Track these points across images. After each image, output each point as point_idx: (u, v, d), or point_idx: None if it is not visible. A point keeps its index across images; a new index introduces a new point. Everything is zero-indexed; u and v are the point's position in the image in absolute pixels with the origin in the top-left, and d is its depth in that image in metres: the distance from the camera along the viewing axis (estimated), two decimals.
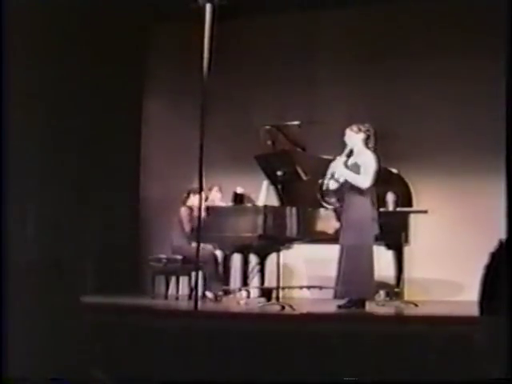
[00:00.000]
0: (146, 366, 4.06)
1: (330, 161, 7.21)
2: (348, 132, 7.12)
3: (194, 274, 7.48)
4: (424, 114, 8.93)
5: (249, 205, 8.08)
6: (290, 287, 8.77)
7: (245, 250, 8.00)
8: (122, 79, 9.62)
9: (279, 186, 7.86)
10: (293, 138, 8.00)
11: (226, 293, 8.08)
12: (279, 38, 9.55)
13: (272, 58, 9.56)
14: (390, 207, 7.68)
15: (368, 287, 6.90)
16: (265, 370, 3.97)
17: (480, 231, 8.02)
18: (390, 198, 7.68)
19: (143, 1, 9.09)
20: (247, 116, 9.23)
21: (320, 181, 7.22)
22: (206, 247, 8.01)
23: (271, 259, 7.76)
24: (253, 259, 8.06)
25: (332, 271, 7.10)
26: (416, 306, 7.42)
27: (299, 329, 4.36)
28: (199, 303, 6.45)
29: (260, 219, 7.48)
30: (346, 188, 7.01)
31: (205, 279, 7.99)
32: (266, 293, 7.84)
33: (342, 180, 7.03)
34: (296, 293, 8.95)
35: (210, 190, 8.26)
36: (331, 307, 6.98)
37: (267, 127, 7.94)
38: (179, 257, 8.10)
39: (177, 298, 8.21)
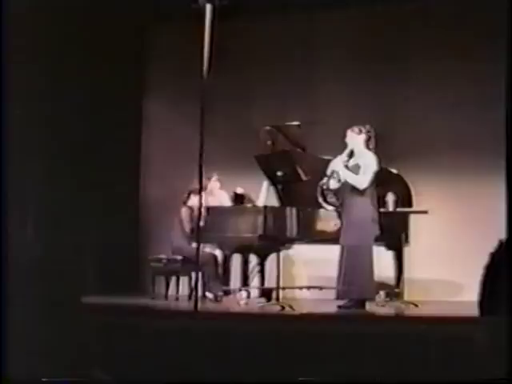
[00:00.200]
0: (146, 366, 4.06)
1: (330, 161, 7.22)
2: (349, 133, 7.13)
3: (194, 274, 7.49)
4: (424, 114, 8.93)
5: (249, 205, 8.07)
6: (290, 287, 8.77)
7: (245, 251, 8.00)
8: (122, 79, 9.63)
9: (279, 187, 7.86)
10: (293, 138, 8.01)
11: (226, 293, 8.08)
12: (279, 38, 9.55)
13: (272, 57, 9.56)
14: (390, 207, 7.68)
15: (369, 287, 6.91)
16: (265, 370, 3.97)
17: (480, 231, 8.02)
18: (390, 198, 7.68)
19: (143, 1, 9.09)
20: (247, 116, 9.23)
21: (320, 180, 7.22)
22: (206, 247, 8.03)
23: (271, 259, 7.77)
24: (253, 259, 8.05)
25: (332, 271, 7.10)
26: (416, 306, 7.42)
27: (299, 329, 4.35)
28: (199, 303, 6.44)
29: (260, 219, 7.48)
30: (347, 188, 7.01)
31: (205, 279, 7.99)
32: (266, 293, 7.84)
33: (341, 179, 7.04)
34: (296, 293, 8.95)
35: (209, 179, 8.26)
36: (331, 307, 6.98)
37: (267, 127, 7.95)
38: (179, 257, 8.10)
39: (177, 299, 8.20)
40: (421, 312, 7.24)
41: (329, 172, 7.14)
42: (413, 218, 7.92)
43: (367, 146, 7.09)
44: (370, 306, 6.97)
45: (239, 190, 8.35)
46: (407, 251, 7.86)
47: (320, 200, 7.25)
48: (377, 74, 9.13)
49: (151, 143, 10.20)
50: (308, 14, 9.35)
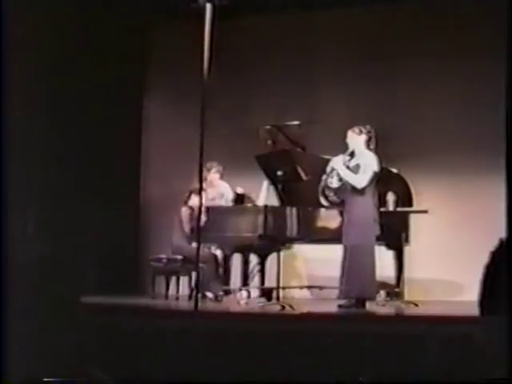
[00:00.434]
0: (146, 366, 4.06)
1: (330, 160, 7.21)
2: (350, 133, 7.14)
3: (194, 274, 7.49)
4: (424, 114, 8.93)
5: (249, 205, 8.07)
6: (290, 287, 8.77)
7: (245, 250, 7.99)
8: (123, 79, 9.62)
9: (279, 186, 7.86)
10: (293, 137, 8.01)
11: (227, 293, 8.08)
12: (279, 37, 9.54)
13: (272, 57, 9.56)
14: (391, 207, 7.68)
15: (370, 287, 6.91)
16: (265, 370, 3.97)
17: (480, 231, 8.02)
18: (391, 197, 7.68)
19: (143, 1, 9.09)
20: (247, 116, 9.23)
21: (320, 179, 7.22)
22: (206, 247, 8.03)
23: (271, 259, 7.77)
24: (253, 259, 8.05)
25: (332, 271, 7.10)
26: (416, 305, 7.41)
27: (299, 329, 4.36)
28: (199, 303, 6.44)
29: (260, 219, 7.48)
30: (348, 188, 7.01)
31: (205, 279, 7.99)
32: (266, 293, 7.84)
33: (341, 177, 7.04)
34: (296, 293, 8.96)
35: (209, 170, 8.26)
36: (332, 307, 6.98)
37: (267, 127, 7.95)
38: (179, 257, 8.09)
39: (177, 298, 8.20)
40: (421, 312, 7.24)
41: (328, 170, 7.15)
42: (413, 218, 7.91)
43: (368, 147, 7.10)
44: (370, 306, 6.96)
45: (239, 190, 8.35)
46: (407, 251, 7.86)
47: (321, 199, 7.25)
48: (377, 73, 9.13)
49: (151, 143, 10.20)
50: (308, 13, 9.35)
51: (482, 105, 8.48)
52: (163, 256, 8.28)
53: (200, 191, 6.33)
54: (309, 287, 9.11)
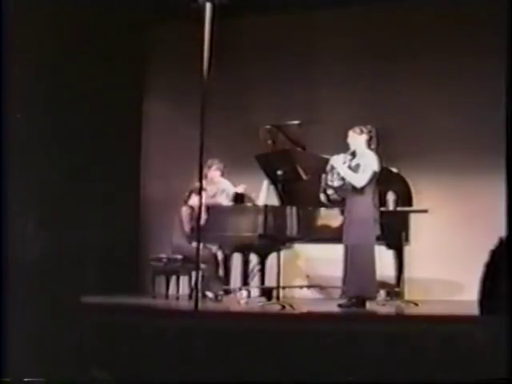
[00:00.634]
0: (146, 366, 4.06)
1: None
2: (351, 134, 7.14)
3: (194, 273, 7.49)
4: (424, 114, 8.93)
5: (249, 204, 8.08)
6: (290, 286, 8.77)
7: (245, 250, 8.00)
8: (123, 79, 9.62)
9: (279, 186, 7.86)
10: (293, 137, 8.01)
11: (227, 292, 8.08)
12: (279, 36, 9.54)
13: (272, 56, 9.56)
14: (391, 207, 7.68)
15: (370, 286, 6.92)
16: (265, 370, 3.97)
17: (480, 231, 8.02)
18: (391, 197, 7.68)
19: (143, 0, 9.08)
20: (247, 115, 9.22)
21: (321, 178, 7.22)
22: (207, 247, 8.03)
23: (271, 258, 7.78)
24: (253, 259, 8.06)
25: (332, 270, 7.11)
26: (416, 305, 7.42)
27: (299, 328, 4.35)
28: (200, 303, 6.44)
29: (260, 219, 7.49)
30: (349, 188, 7.02)
31: (205, 279, 7.99)
32: (266, 292, 7.85)
33: (340, 176, 7.04)
34: (296, 292, 8.96)
35: (210, 167, 8.27)
36: (332, 307, 6.98)
37: (267, 127, 7.95)
38: (180, 256, 8.10)
39: (177, 298, 8.20)
40: (421, 311, 7.24)
41: (328, 168, 7.15)
42: (413, 217, 7.92)
43: (369, 146, 7.10)
44: (370, 305, 6.97)
45: (240, 189, 8.36)
46: (407, 250, 7.86)
47: (322, 197, 7.25)
48: (377, 73, 9.13)
49: (151, 143, 10.20)
50: (308, 12, 9.35)
51: (482, 104, 8.48)
52: (163, 256, 8.28)
53: (200, 191, 6.33)
54: (308, 286, 9.12)
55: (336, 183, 7.11)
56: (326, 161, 7.25)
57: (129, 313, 5.15)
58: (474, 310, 3.21)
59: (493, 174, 7.66)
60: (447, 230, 8.70)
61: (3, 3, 4.50)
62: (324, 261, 8.66)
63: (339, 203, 7.22)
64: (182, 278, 8.29)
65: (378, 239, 7.10)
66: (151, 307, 7.21)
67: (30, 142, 7.90)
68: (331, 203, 7.28)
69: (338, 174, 7.08)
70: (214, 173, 8.37)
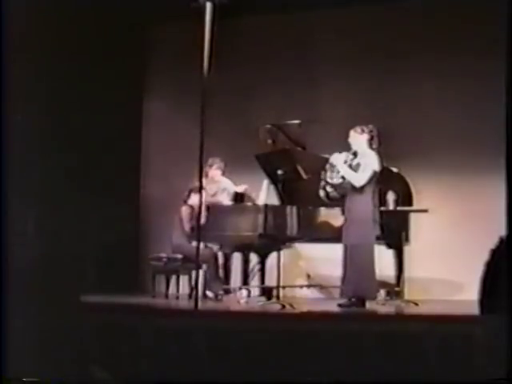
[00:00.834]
0: (146, 366, 4.06)
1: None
2: (352, 133, 7.14)
3: (194, 273, 7.49)
4: (424, 113, 8.93)
5: (249, 204, 8.08)
6: (290, 286, 8.77)
7: (245, 249, 8.00)
8: (123, 78, 9.62)
9: (279, 185, 7.87)
10: (293, 136, 8.01)
11: (227, 292, 8.09)
12: (280, 36, 9.54)
13: (272, 56, 9.56)
14: (391, 206, 7.68)
15: (370, 286, 6.91)
16: (265, 370, 3.97)
17: (480, 230, 8.02)
18: (391, 197, 7.68)
19: (143, 0, 9.08)
20: (248, 115, 9.22)
21: (322, 172, 7.22)
22: (207, 246, 8.03)
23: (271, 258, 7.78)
24: (253, 258, 8.06)
25: (332, 270, 7.11)
26: (416, 305, 7.42)
27: (299, 328, 4.35)
28: (200, 302, 6.45)
29: (260, 218, 7.49)
30: (349, 187, 7.01)
31: (205, 278, 8.00)
32: (266, 292, 7.85)
33: (341, 174, 7.04)
34: (297, 292, 8.96)
35: (211, 166, 8.28)
36: (332, 306, 6.98)
37: (267, 126, 7.96)
38: (179, 256, 8.10)
39: (177, 297, 8.20)
40: (421, 311, 7.25)
41: (328, 166, 7.15)
42: (413, 217, 7.92)
43: (370, 146, 7.10)
44: (370, 305, 6.97)
45: (240, 189, 8.36)
46: (407, 250, 7.86)
47: (321, 193, 7.25)
48: (377, 72, 9.13)
49: (151, 142, 10.20)
50: (308, 11, 9.35)
51: (482, 104, 8.48)
52: (163, 255, 8.28)
53: (200, 190, 6.33)
54: (308, 286, 9.12)
55: (335, 181, 7.10)
56: (326, 160, 7.25)
57: (129, 312, 5.15)
58: (474, 310, 3.21)
59: (493, 173, 7.66)
60: (447, 230, 8.70)
61: (3, 3, 4.50)
62: (325, 260, 8.66)
63: (338, 200, 7.20)
64: (181, 277, 8.29)
65: (378, 239, 7.11)
66: (151, 307, 7.21)
67: (30, 141, 7.91)
68: (330, 200, 7.27)
69: (338, 171, 7.08)
70: (214, 172, 8.38)
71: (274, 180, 7.86)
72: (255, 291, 8.11)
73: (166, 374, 3.98)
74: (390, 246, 7.83)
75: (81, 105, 8.95)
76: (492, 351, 2.72)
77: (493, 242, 3.41)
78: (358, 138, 7.12)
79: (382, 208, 7.40)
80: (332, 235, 7.37)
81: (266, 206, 7.64)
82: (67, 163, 8.72)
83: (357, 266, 6.85)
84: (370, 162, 6.97)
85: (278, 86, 9.42)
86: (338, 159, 7.09)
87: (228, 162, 8.45)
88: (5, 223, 3.72)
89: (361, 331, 4.07)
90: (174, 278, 8.28)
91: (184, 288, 8.27)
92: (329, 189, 7.17)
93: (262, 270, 7.94)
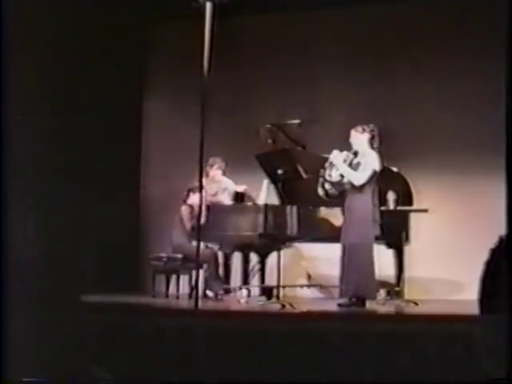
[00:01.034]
0: (146, 365, 4.06)
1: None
2: (353, 133, 7.13)
3: (194, 272, 7.49)
4: (424, 113, 8.93)
5: (249, 203, 8.08)
6: (290, 286, 8.77)
7: (245, 249, 8.00)
8: (123, 78, 9.62)
9: (280, 185, 7.87)
10: (293, 136, 8.01)
11: (227, 291, 8.09)
12: (280, 35, 9.54)
13: (272, 55, 9.56)
14: (391, 206, 7.68)
15: (369, 286, 6.91)
16: (265, 369, 3.97)
17: (480, 230, 8.01)
18: (391, 196, 7.68)
19: (143, 0, 9.08)
20: (248, 114, 9.22)
21: (321, 171, 7.22)
22: (207, 246, 8.03)
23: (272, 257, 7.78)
24: (253, 258, 8.06)
25: (333, 270, 7.10)
26: (416, 304, 7.42)
27: (300, 327, 4.36)
28: (200, 302, 6.45)
29: (260, 218, 7.49)
30: (348, 187, 7.01)
31: (205, 278, 8.00)
32: (266, 291, 7.85)
33: (340, 172, 7.03)
34: (297, 291, 8.96)
35: (212, 166, 8.28)
36: (332, 306, 6.98)
37: (268, 126, 7.96)
38: (180, 255, 8.10)
39: (177, 297, 8.20)
40: (421, 310, 7.24)
41: (327, 164, 7.15)
42: (413, 217, 7.92)
43: (371, 145, 7.09)
44: (370, 305, 6.97)
45: (240, 188, 8.36)
46: (407, 250, 7.86)
47: (320, 191, 7.25)
48: (377, 72, 9.13)
49: (151, 142, 10.20)
50: (308, 11, 9.34)
51: (482, 104, 8.48)
52: (163, 255, 8.28)
53: (200, 190, 6.34)
54: (308, 286, 9.12)
55: (334, 178, 7.10)
56: (327, 160, 7.25)
57: (129, 312, 5.15)
58: (474, 310, 3.20)
59: (493, 173, 7.65)
60: (447, 230, 8.70)
61: (3, 3, 4.50)
62: (325, 260, 8.66)
63: (337, 198, 7.19)
64: (182, 277, 8.29)
65: (379, 238, 7.11)
66: (151, 306, 7.21)
67: (30, 141, 7.91)
68: (329, 198, 7.26)
69: (337, 169, 7.07)
70: (215, 171, 8.38)
71: (274, 180, 7.86)
72: (255, 291, 8.11)
73: (166, 374, 3.98)
74: (390, 245, 7.83)
75: (81, 105, 8.94)
76: (492, 351, 2.72)
77: (493, 242, 3.40)
78: (359, 138, 7.11)
79: (383, 208, 7.40)
80: (332, 235, 7.36)
81: (266, 205, 7.64)
82: (67, 163, 8.72)
83: (356, 265, 6.84)
84: (371, 162, 6.97)
85: (277, 86, 9.41)
86: (337, 158, 7.09)
87: (228, 162, 8.45)
88: (5, 223, 3.73)
89: (361, 331, 4.07)
90: (174, 278, 8.28)
91: (184, 288, 8.27)
92: (327, 186, 7.16)
93: (262, 270, 7.94)
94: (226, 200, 8.33)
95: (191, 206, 8.13)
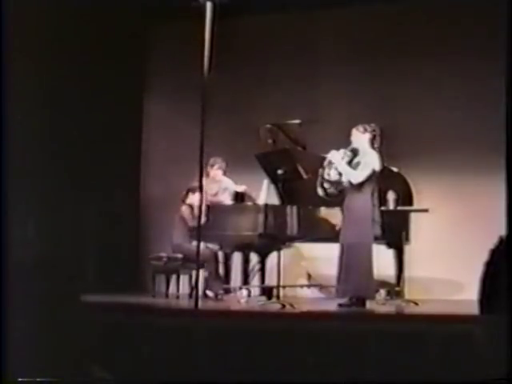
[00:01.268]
0: (146, 365, 4.06)
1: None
2: (354, 132, 7.13)
3: (194, 272, 7.49)
4: (424, 113, 8.93)
5: (249, 203, 8.08)
6: (290, 286, 8.77)
7: (245, 249, 8.00)
8: (123, 78, 9.62)
9: (280, 185, 7.86)
10: (293, 136, 8.01)
11: (227, 291, 8.09)
12: (280, 35, 9.54)
13: (273, 55, 9.56)
14: (391, 206, 7.68)
15: (368, 286, 6.90)
16: (265, 369, 3.97)
17: (480, 230, 8.01)
18: (391, 196, 7.68)
19: (143, 0, 9.08)
20: (248, 114, 9.22)
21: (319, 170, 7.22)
22: (207, 246, 8.03)
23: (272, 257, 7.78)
24: (253, 258, 8.06)
25: (333, 270, 7.10)
26: (416, 304, 7.41)
27: (300, 327, 4.36)
28: (200, 302, 6.45)
29: (260, 218, 7.49)
30: (348, 186, 7.01)
31: (205, 278, 8.00)
32: (266, 291, 7.85)
33: (338, 170, 7.03)
34: (297, 291, 8.97)
35: (212, 166, 8.29)
36: (332, 306, 6.98)
37: (268, 126, 7.96)
38: (180, 255, 8.10)
39: (177, 297, 8.21)
40: (421, 310, 7.24)
41: (326, 163, 7.15)
42: (413, 217, 7.92)
43: (372, 145, 7.09)
44: (370, 305, 6.97)
45: (240, 188, 8.36)
46: (408, 250, 7.86)
47: (320, 191, 7.25)
48: (377, 72, 9.13)
49: (151, 142, 10.20)
50: (308, 11, 9.35)
51: (482, 104, 8.48)
52: (163, 254, 8.28)
53: (201, 190, 6.34)
54: (308, 286, 9.12)
55: (332, 177, 7.10)
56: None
57: (129, 311, 5.15)
58: (474, 310, 3.20)
59: (493, 173, 7.65)
60: (447, 230, 8.70)
61: (3, 3, 4.51)
62: (325, 260, 8.65)
63: (337, 197, 7.19)
64: (182, 276, 8.29)
65: (379, 238, 7.10)
66: (151, 306, 7.21)
67: (30, 142, 7.91)
68: (329, 197, 7.26)
69: (336, 168, 7.08)
70: (216, 171, 8.39)
71: (274, 180, 7.86)
72: (255, 291, 8.11)
73: (166, 374, 3.99)
74: (390, 245, 7.83)
75: (81, 105, 8.95)
76: (492, 351, 2.72)
77: (493, 242, 3.40)
78: (360, 137, 7.11)
79: (383, 208, 7.40)
80: (332, 235, 7.36)
81: (266, 205, 7.64)
82: (67, 163, 8.72)
83: (355, 265, 6.82)
84: (371, 161, 6.96)
85: (278, 86, 9.42)
86: (335, 156, 7.08)
87: (228, 162, 8.45)
88: (5, 223, 3.73)
89: (361, 331, 4.07)
90: (174, 278, 8.28)
91: (184, 288, 8.27)
92: (326, 185, 7.16)
93: (262, 270, 7.94)
94: (227, 200, 8.33)
95: (191, 206, 8.14)
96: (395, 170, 7.95)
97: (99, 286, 8.05)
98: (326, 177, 7.14)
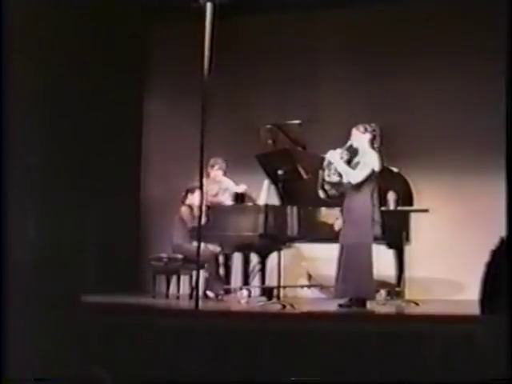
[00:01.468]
0: (146, 365, 4.06)
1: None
2: (354, 132, 7.12)
3: (194, 273, 7.49)
4: (425, 113, 8.92)
5: (250, 204, 8.08)
6: (290, 286, 8.77)
7: (246, 249, 8.00)
8: (123, 78, 9.62)
9: (280, 185, 7.86)
10: (293, 136, 8.01)
11: (227, 292, 8.08)
12: (280, 36, 9.54)
13: (273, 56, 9.56)
14: (391, 206, 7.68)
15: (367, 286, 6.88)
16: (265, 369, 3.97)
17: (481, 230, 8.02)
18: (391, 197, 7.67)
19: (143, 1, 9.09)
20: (248, 115, 9.22)
21: (319, 171, 7.22)
22: (207, 246, 8.03)
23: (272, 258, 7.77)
24: (254, 258, 8.06)
25: (334, 270, 7.10)
26: (417, 304, 7.41)
27: (300, 327, 4.36)
28: (200, 302, 6.45)
29: (261, 218, 7.49)
30: (348, 187, 7.00)
31: (206, 278, 8.00)
32: (267, 292, 7.84)
33: (338, 171, 7.03)
34: (298, 292, 8.97)
35: (213, 167, 8.29)
36: (333, 306, 6.98)
37: (268, 126, 7.95)
38: (180, 256, 8.09)
39: (178, 298, 8.20)
40: (421, 311, 7.24)
41: (325, 163, 7.14)
42: (413, 217, 7.92)
43: (372, 145, 7.08)
44: (370, 305, 6.96)
45: (240, 189, 8.36)
46: (408, 250, 7.86)
47: (321, 193, 7.24)
48: (377, 72, 9.13)
49: (151, 142, 10.20)
50: (308, 11, 9.35)
51: (482, 104, 8.48)
52: (164, 255, 8.28)
53: (201, 190, 6.33)
54: (309, 286, 9.11)
55: (333, 178, 7.10)
56: None
57: (129, 312, 5.15)
58: (475, 310, 3.20)
59: (493, 174, 7.65)
60: (448, 230, 8.70)
61: (3, 3, 4.50)
62: (325, 260, 8.65)
63: (338, 198, 7.19)
64: (182, 277, 8.29)
65: (379, 238, 7.10)
66: (152, 307, 7.21)
67: (30, 142, 7.91)
68: (330, 199, 7.26)
69: (335, 169, 7.07)
70: (216, 172, 8.39)
71: (274, 180, 7.85)
72: (256, 291, 8.10)
73: (166, 374, 3.99)
74: (390, 245, 7.83)
75: (81, 105, 8.94)
76: (492, 351, 2.72)
77: (493, 242, 3.40)
78: (360, 137, 7.10)
79: (383, 208, 7.40)
80: (332, 235, 7.36)
81: (266, 206, 7.63)
82: (67, 163, 8.72)
83: (355, 265, 6.81)
84: (370, 161, 6.95)
85: (278, 86, 9.41)
86: (333, 156, 7.08)
87: (228, 162, 8.45)
88: (5, 223, 3.72)
89: (361, 331, 4.07)
90: (174, 278, 8.28)
91: (184, 288, 8.27)
92: (327, 187, 7.16)
93: (263, 270, 7.93)
94: (227, 200, 8.33)
95: (190, 207, 8.13)
96: (395, 170, 7.94)
97: (99, 287, 8.05)
98: (327, 178, 7.14)
